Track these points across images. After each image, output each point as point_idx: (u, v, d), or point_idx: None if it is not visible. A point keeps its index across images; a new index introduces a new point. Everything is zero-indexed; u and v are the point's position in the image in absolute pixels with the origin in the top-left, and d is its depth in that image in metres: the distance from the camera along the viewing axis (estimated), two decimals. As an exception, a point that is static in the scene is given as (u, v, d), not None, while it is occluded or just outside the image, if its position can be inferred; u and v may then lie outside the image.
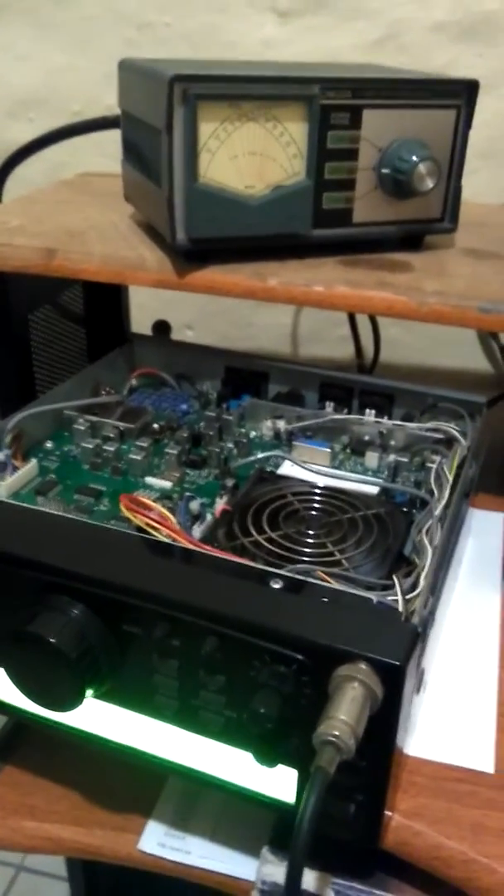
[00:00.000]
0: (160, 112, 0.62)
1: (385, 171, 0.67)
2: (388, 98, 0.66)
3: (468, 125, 0.68)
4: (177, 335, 0.96)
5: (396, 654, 0.45)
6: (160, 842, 0.64)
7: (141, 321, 0.96)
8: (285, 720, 0.47)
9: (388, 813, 0.52)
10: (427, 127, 0.67)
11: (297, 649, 0.47)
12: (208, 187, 0.64)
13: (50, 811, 0.67)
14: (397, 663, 0.45)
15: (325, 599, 0.50)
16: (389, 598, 0.53)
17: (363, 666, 0.45)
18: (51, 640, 0.50)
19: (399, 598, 0.53)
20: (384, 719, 0.46)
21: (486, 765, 0.57)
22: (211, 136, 0.63)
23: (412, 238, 0.73)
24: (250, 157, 0.64)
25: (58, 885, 1.42)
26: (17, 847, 0.67)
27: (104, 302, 0.93)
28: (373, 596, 0.52)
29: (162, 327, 0.96)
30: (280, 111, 0.64)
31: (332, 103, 0.64)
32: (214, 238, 0.66)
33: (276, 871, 0.58)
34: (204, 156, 0.63)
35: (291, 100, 0.63)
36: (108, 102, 1.08)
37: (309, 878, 0.55)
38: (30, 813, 0.67)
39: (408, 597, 0.53)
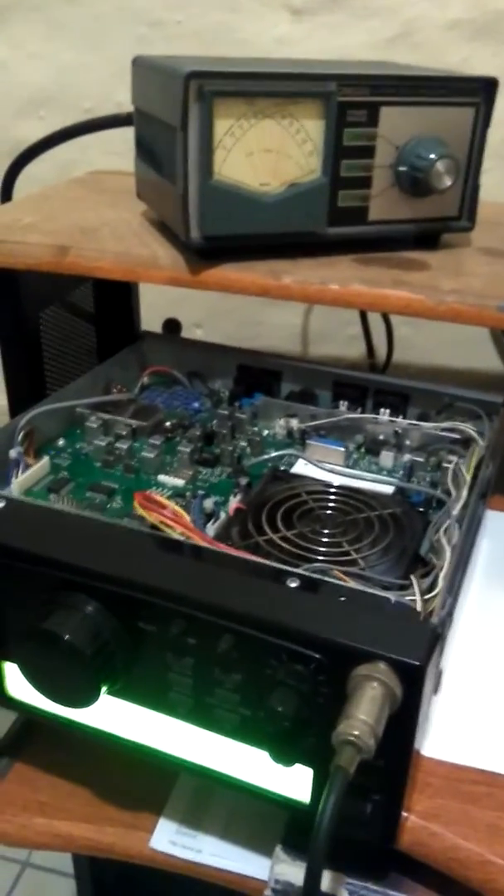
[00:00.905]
0: (175, 109, 0.61)
1: (402, 168, 0.67)
2: (406, 95, 0.65)
3: (487, 123, 0.67)
4: (186, 334, 0.96)
5: (417, 655, 0.45)
6: (171, 840, 0.64)
7: (150, 319, 0.95)
8: (302, 719, 0.47)
9: (403, 813, 0.51)
10: (445, 124, 0.67)
11: (315, 648, 0.46)
12: (223, 185, 0.64)
13: (60, 808, 0.66)
14: (417, 663, 0.45)
15: (343, 598, 0.50)
16: (407, 598, 0.53)
17: (382, 666, 0.44)
18: (66, 637, 0.50)
19: (417, 598, 0.53)
20: (403, 719, 0.45)
21: (503, 767, 0.56)
22: (226, 133, 0.62)
23: (428, 236, 0.72)
24: (266, 155, 0.64)
25: (63, 881, 1.42)
26: (27, 844, 0.67)
27: (114, 300, 0.93)
28: (391, 595, 0.52)
29: (172, 325, 0.95)
30: (296, 108, 0.63)
31: (350, 100, 0.64)
32: (228, 236, 0.66)
33: (289, 871, 0.58)
34: (219, 153, 0.63)
35: (308, 97, 0.63)
36: (118, 99, 1.08)
37: (323, 878, 0.55)
38: (40, 810, 0.66)
39: (426, 597, 0.53)
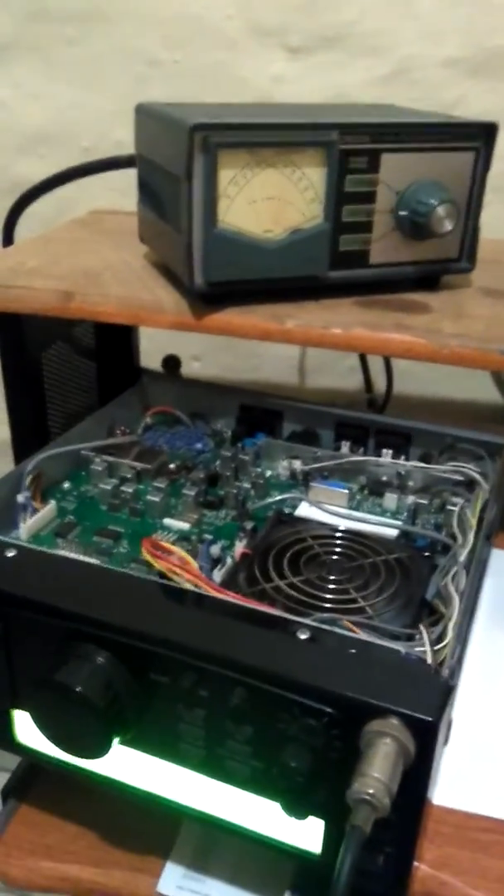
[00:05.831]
0: (179, 159, 0.62)
1: (403, 213, 0.67)
2: (406, 142, 0.66)
3: (486, 167, 0.68)
4: (184, 367, 0.96)
5: (430, 710, 0.45)
6: (178, 884, 0.64)
7: (151, 351, 0.96)
8: (316, 773, 0.47)
9: (415, 863, 0.51)
10: (445, 169, 0.67)
11: (327, 702, 0.47)
12: (226, 232, 0.64)
13: (67, 851, 0.66)
14: (430, 719, 0.45)
15: (353, 651, 0.50)
16: (417, 648, 0.53)
17: (395, 721, 0.45)
18: (77, 689, 0.50)
19: (427, 649, 0.53)
20: (416, 774, 0.46)
21: (513, 813, 0.56)
22: (230, 182, 0.63)
23: (429, 278, 0.73)
24: (268, 202, 0.65)
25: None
26: (34, 887, 0.67)
27: (115, 336, 0.94)
28: (400, 647, 0.52)
29: (172, 362, 0.96)
30: (298, 157, 0.64)
31: (351, 148, 0.64)
32: (232, 281, 0.66)
33: (299, 919, 0.58)
34: (223, 202, 0.63)
35: (310, 146, 0.64)
36: (117, 138, 1.08)
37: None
38: (47, 853, 0.66)
39: (436, 647, 0.53)
